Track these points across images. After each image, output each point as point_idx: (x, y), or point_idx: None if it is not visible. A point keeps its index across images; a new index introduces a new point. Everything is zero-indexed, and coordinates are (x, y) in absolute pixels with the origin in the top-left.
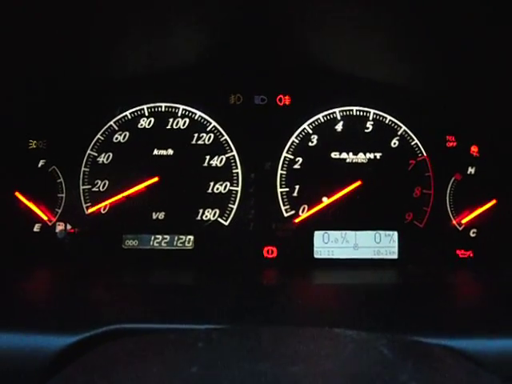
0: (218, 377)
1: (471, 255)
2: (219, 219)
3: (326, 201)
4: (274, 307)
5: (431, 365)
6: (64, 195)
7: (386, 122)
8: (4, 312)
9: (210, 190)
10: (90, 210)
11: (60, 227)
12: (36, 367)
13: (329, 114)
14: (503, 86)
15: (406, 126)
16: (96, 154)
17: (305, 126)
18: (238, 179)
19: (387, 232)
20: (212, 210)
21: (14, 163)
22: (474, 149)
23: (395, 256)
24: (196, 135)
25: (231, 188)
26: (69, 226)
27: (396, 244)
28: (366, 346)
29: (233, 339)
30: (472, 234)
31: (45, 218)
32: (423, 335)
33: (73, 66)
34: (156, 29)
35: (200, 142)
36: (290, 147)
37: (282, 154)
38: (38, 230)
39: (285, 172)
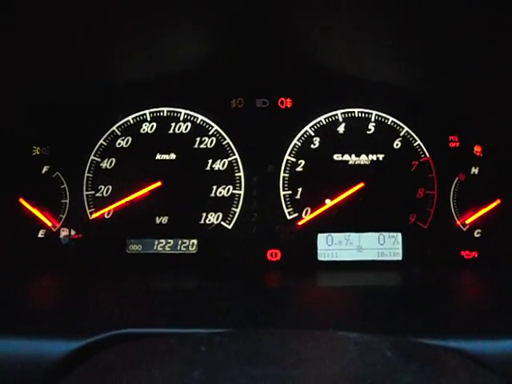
0: (220, 381)
1: (476, 256)
2: (222, 223)
3: (329, 203)
4: (277, 310)
5: (435, 367)
6: (68, 201)
7: (388, 123)
8: (9, 318)
9: (212, 194)
10: (94, 216)
11: (64, 233)
12: (40, 373)
13: (330, 116)
14: (505, 86)
15: (408, 127)
16: (99, 160)
17: (307, 128)
18: (240, 182)
19: (391, 233)
20: (215, 213)
21: (17, 170)
22: (477, 149)
23: (399, 257)
24: (198, 139)
25: (234, 191)
26: (73, 232)
27: (400, 245)
28: (370, 349)
29: (235, 343)
30: (476, 235)
31: (49, 223)
32: (428, 337)
33: (75, 72)
34: (158, 34)
35: (202, 146)
36: (292, 150)
37: (284, 157)
38: (42, 236)
39: (287, 175)
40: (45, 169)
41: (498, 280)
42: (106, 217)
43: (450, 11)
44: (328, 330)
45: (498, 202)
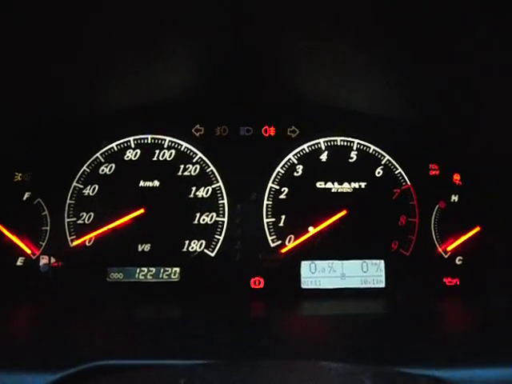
0: None
1: (458, 283)
2: (205, 250)
3: (312, 230)
4: (261, 339)
5: None
6: (48, 228)
7: (370, 151)
8: None
9: (196, 221)
10: (75, 243)
11: (44, 260)
12: None
13: (313, 145)
14: (483, 115)
15: (389, 156)
16: (82, 186)
17: (290, 156)
18: (224, 210)
19: (374, 261)
20: (198, 241)
21: None
22: (456, 177)
23: (382, 285)
24: (182, 166)
25: (217, 219)
26: (53, 260)
27: (383, 273)
28: (350, 379)
29: (216, 374)
30: (458, 262)
31: (28, 251)
32: (410, 366)
33: (59, 99)
34: (143, 63)
35: (186, 174)
36: (275, 177)
37: (267, 185)
38: (21, 264)
39: (271, 202)
40: (26, 195)
41: (480, 307)
42: (87, 244)
43: (433, 46)
44: (310, 360)
45: (477, 229)
